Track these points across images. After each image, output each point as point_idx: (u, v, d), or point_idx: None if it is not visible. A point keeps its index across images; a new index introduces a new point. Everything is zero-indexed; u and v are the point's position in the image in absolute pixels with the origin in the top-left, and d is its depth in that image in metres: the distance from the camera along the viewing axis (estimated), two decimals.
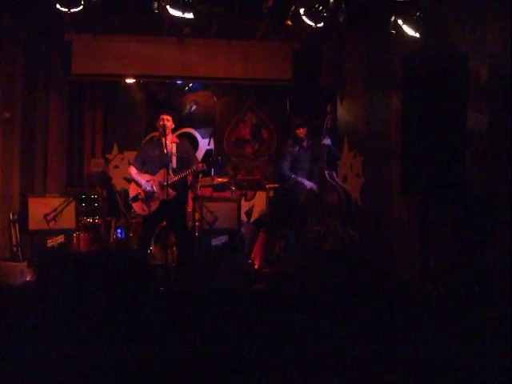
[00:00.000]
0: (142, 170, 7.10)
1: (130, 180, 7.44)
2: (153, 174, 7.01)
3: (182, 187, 7.06)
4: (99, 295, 4.41)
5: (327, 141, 7.47)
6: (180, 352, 3.71)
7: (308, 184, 7.51)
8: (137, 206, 7.06)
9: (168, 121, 6.99)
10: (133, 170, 7.10)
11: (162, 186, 6.88)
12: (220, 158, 7.38)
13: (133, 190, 7.08)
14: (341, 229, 7.09)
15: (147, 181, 6.98)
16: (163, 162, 6.93)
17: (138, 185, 6.99)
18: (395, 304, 4.04)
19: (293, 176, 7.65)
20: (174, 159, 7.01)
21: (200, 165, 7.03)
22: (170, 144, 6.99)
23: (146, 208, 6.98)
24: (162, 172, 6.89)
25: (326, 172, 7.36)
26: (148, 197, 6.92)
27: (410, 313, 4.00)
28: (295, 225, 7.82)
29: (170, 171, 6.86)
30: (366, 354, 3.65)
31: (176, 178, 6.86)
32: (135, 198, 7.03)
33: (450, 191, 5.68)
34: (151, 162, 7.07)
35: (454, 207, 6.09)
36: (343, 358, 3.50)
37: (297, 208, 7.68)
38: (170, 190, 6.78)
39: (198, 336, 4.05)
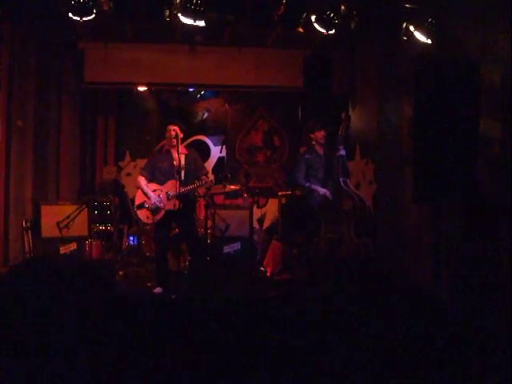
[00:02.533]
0: (151, 179, 7.11)
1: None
2: (160, 184, 7.03)
3: (188, 198, 7.09)
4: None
5: (342, 151, 7.35)
6: (191, 360, 3.70)
7: (321, 190, 7.40)
8: (142, 214, 7.07)
9: (174, 131, 6.99)
10: (142, 181, 7.12)
11: (168, 197, 6.91)
12: (229, 174, 7.45)
13: (139, 198, 7.09)
14: (355, 236, 7.04)
15: (154, 190, 7.00)
16: (172, 173, 6.96)
17: (147, 196, 7.01)
18: (408, 312, 4.02)
19: (307, 184, 7.54)
20: (183, 171, 7.01)
21: (209, 180, 7.05)
22: (179, 155, 7.00)
23: (150, 216, 7.00)
24: (171, 183, 6.92)
25: (341, 179, 7.25)
26: (154, 208, 6.95)
27: (422, 321, 3.98)
28: (308, 232, 7.78)
29: (179, 183, 6.87)
30: (378, 361, 3.63)
31: (183, 190, 6.88)
32: (141, 206, 7.04)
33: (462, 199, 5.63)
34: (160, 173, 7.09)
35: (467, 214, 6.05)
36: (354, 369, 3.48)
37: (311, 215, 7.61)
38: (177, 202, 6.80)
39: (210, 344, 4.04)
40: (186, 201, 6.99)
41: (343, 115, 7.53)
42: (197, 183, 6.99)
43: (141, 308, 4.65)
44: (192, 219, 7.41)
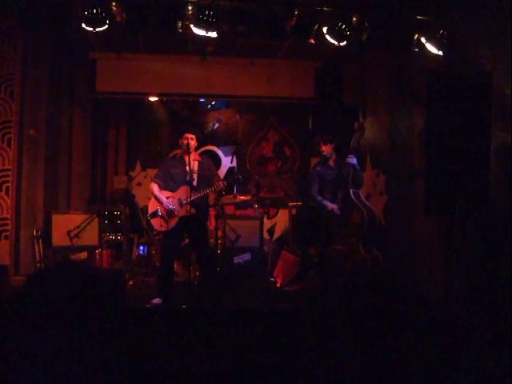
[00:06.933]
0: (164, 186, 7.11)
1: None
2: (173, 190, 7.03)
3: (201, 205, 7.07)
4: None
5: (352, 160, 7.26)
6: (200, 372, 3.69)
7: (330, 205, 7.34)
8: (155, 222, 7.05)
9: (192, 139, 7.02)
10: (155, 187, 7.10)
11: (181, 203, 6.90)
12: (240, 176, 7.43)
13: (152, 206, 7.08)
14: (363, 249, 7.00)
15: (167, 197, 7.00)
16: (184, 179, 6.95)
17: (159, 202, 7.00)
18: (419, 326, 3.99)
19: (318, 198, 7.47)
20: (196, 177, 7.02)
21: (220, 183, 7.00)
22: (192, 162, 7.01)
23: (164, 224, 6.99)
24: (183, 189, 6.91)
25: (351, 191, 7.18)
26: (167, 214, 6.94)
27: (433, 334, 3.96)
28: (319, 243, 7.74)
29: (191, 189, 6.86)
30: (387, 375, 3.60)
31: (196, 196, 6.87)
32: (154, 214, 7.03)
33: (474, 211, 5.60)
34: (172, 179, 7.09)
35: (478, 227, 6.02)
36: (366, 381, 3.46)
37: (321, 227, 7.57)
38: (190, 208, 6.79)
39: (220, 355, 4.03)
40: (199, 207, 6.98)
41: (356, 125, 7.43)
42: (208, 189, 6.98)
43: (150, 318, 4.65)
44: (205, 228, 7.40)
